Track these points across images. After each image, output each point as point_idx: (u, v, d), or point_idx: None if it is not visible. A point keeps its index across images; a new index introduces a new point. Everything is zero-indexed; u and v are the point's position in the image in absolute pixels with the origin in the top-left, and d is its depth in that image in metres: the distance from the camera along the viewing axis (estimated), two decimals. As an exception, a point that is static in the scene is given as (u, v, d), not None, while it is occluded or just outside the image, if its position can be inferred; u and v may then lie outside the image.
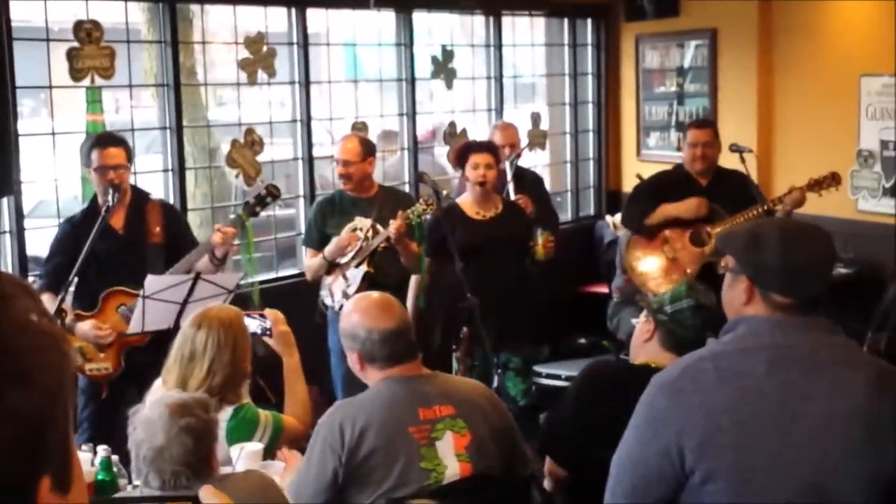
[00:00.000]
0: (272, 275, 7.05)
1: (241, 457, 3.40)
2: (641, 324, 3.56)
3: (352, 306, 3.49)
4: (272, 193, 5.23)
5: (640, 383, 2.55)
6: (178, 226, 5.40)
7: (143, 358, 4.80)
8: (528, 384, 5.86)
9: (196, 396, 3.03)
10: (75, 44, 5.92)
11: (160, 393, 3.55)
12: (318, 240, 5.85)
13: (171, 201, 6.49)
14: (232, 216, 5.58)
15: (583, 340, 7.81)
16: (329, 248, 5.68)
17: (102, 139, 5.22)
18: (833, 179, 6.00)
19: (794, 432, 2.35)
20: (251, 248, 5.35)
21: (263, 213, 5.55)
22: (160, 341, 4.40)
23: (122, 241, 5.07)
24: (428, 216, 5.56)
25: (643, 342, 3.52)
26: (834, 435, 2.34)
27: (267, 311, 4.01)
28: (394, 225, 5.45)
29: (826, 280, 2.53)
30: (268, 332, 3.96)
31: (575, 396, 3.57)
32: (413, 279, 5.77)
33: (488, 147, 5.92)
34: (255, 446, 3.53)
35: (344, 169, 5.77)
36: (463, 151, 5.84)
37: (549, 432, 3.76)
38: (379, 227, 5.63)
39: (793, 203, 5.87)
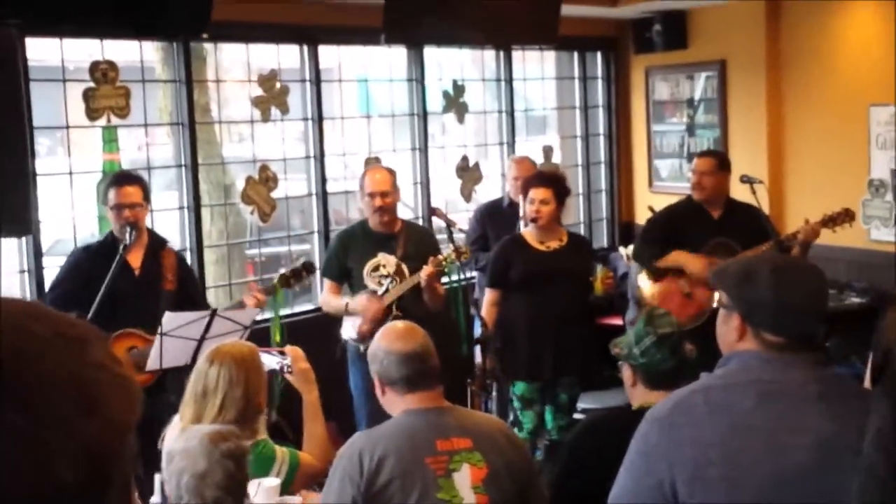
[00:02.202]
0: (288, 310, 7.07)
1: (259, 492, 3.42)
2: (624, 371, 3.58)
3: (378, 335, 3.55)
4: (308, 269, 5.48)
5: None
6: (190, 277, 5.52)
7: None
8: (568, 420, 5.85)
9: (228, 426, 3.09)
10: (91, 84, 5.99)
11: (177, 430, 3.59)
12: (338, 272, 5.87)
13: (188, 239, 6.56)
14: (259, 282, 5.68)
15: (603, 372, 7.81)
16: (355, 306, 5.66)
17: (119, 178, 5.28)
18: (847, 215, 6.02)
19: (785, 466, 2.34)
20: (278, 318, 5.52)
21: (276, 250, 5.66)
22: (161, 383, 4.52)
23: (138, 282, 5.11)
24: (459, 264, 5.61)
25: (631, 387, 3.54)
26: (826, 468, 2.33)
27: (287, 348, 4.04)
28: (426, 271, 5.48)
29: (818, 318, 2.53)
30: (288, 369, 3.98)
31: (574, 455, 3.56)
32: (486, 313, 5.70)
33: (548, 181, 5.85)
34: (272, 481, 3.54)
35: (382, 200, 5.70)
36: (525, 185, 5.85)
37: (557, 495, 3.71)
38: (404, 266, 5.66)
39: (806, 238, 5.87)
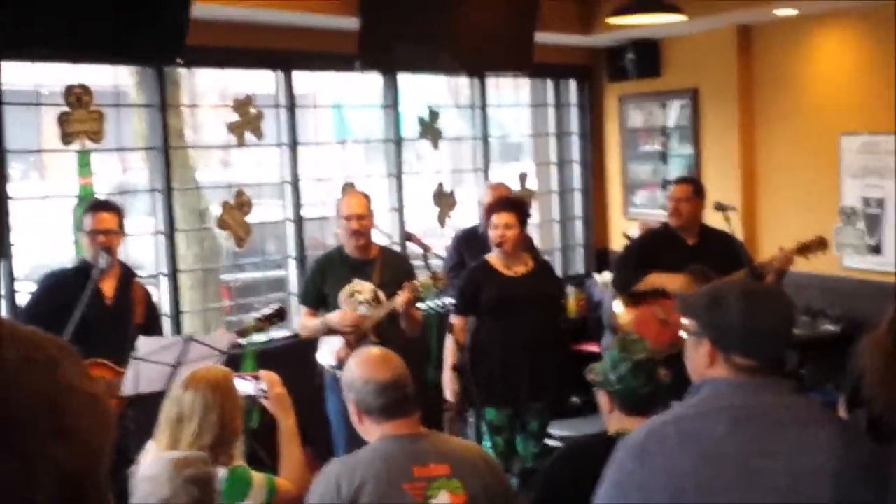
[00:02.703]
0: (263, 337, 7.03)
1: (235, 519, 3.40)
2: (600, 397, 3.58)
3: (353, 360, 3.54)
4: (280, 315, 5.48)
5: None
6: (155, 315, 5.52)
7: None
8: (540, 448, 5.85)
9: (195, 452, 3.07)
10: (66, 108, 5.97)
11: (153, 454, 3.57)
12: (315, 298, 5.86)
13: (163, 264, 6.53)
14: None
15: (576, 399, 7.81)
16: (333, 319, 5.66)
17: (95, 204, 5.27)
18: (820, 244, 6.07)
19: (759, 491, 2.34)
20: (252, 359, 5.53)
21: (252, 275, 5.64)
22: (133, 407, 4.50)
23: (110, 311, 5.09)
24: (436, 290, 5.59)
25: (608, 413, 3.55)
26: (801, 493, 2.33)
27: (262, 373, 4.02)
28: (402, 297, 5.48)
29: (788, 341, 2.54)
30: (263, 395, 3.96)
31: (550, 482, 3.56)
32: (448, 342, 5.67)
33: (511, 206, 5.87)
34: (249, 508, 3.52)
35: (359, 223, 5.74)
36: (488, 210, 5.87)
37: None
38: (380, 293, 5.66)
39: (781, 266, 5.91)
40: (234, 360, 5.27)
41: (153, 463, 2.95)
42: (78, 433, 0.92)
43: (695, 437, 2.40)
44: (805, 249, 6.04)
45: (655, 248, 6.28)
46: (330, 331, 5.69)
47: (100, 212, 5.11)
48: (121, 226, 5.18)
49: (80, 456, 0.91)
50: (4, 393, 0.89)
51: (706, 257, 6.04)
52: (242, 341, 5.58)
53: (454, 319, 5.68)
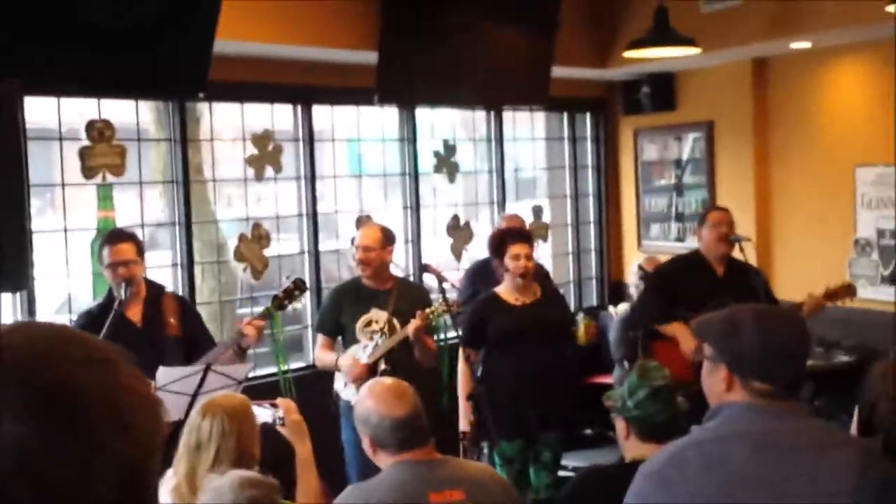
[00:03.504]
0: (283, 367, 7.07)
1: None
2: (617, 423, 3.59)
3: (366, 391, 3.55)
4: (299, 287, 5.36)
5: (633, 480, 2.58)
6: (193, 318, 5.46)
7: None
8: (553, 479, 5.84)
9: (269, 479, 3.13)
10: (86, 142, 6.06)
11: (172, 483, 3.61)
12: (331, 327, 5.93)
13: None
14: (258, 309, 5.63)
15: (589, 431, 7.82)
16: (344, 364, 5.71)
17: (112, 236, 5.30)
18: (848, 290, 6.03)
19: None
20: (280, 340, 5.45)
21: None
22: None
23: (140, 335, 5.10)
24: (448, 316, 5.61)
25: (624, 440, 3.55)
26: None
27: (279, 401, 4.05)
28: (413, 324, 5.53)
29: (803, 364, 2.56)
30: (280, 422, 4.00)
31: None
32: (461, 372, 5.70)
33: (527, 237, 5.95)
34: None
35: (364, 254, 5.82)
36: (500, 240, 5.88)
37: None
38: (395, 321, 5.70)
39: (811, 313, 5.81)
40: (265, 387, 5.32)
41: (224, 475, 3.05)
42: (135, 428, 0.98)
43: (717, 461, 2.41)
44: (833, 296, 5.97)
45: (686, 275, 6.18)
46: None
47: (117, 243, 5.14)
48: (139, 254, 5.20)
49: (136, 450, 0.97)
50: (72, 387, 0.95)
51: (734, 289, 5.69)
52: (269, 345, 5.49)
53: (465, 350, 5.72)
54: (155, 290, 5.33)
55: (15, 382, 0.93)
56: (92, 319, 5.12)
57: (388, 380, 3.67)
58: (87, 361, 0.98)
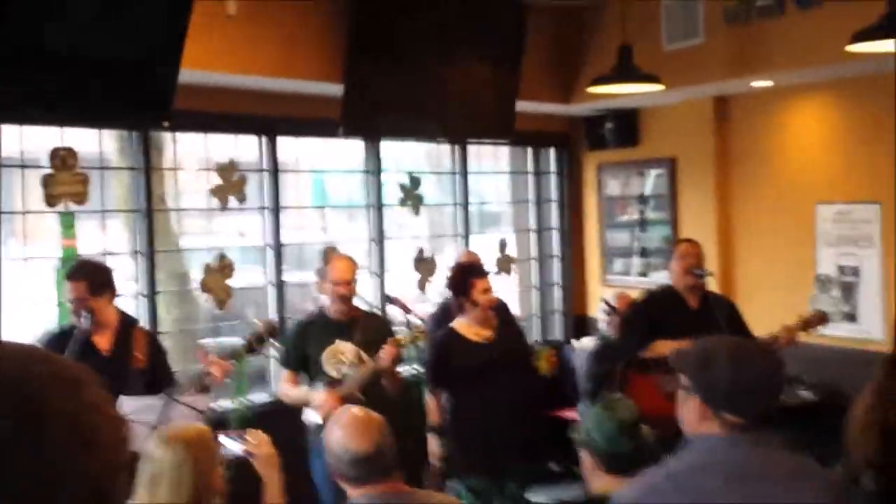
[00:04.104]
0: (243, 400, 7.01)
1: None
2: (583, 456, 3.59)
3: (335, 420, 3.53)
4: (272, 332, 5.31)
5: None
6: (160, 355, 5.45)
7: None
8: None
9: None
10: (49, 170, 6.01)
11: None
12: (296, 360, 5.86)
13: (144, 324, 6.52)
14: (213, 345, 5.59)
15: (553, 466, 7.79)
16: (314, 399, 5.63)
17: (69, 271, 5.27)
18: (822, 319, 6.05)
19: None
20: (244, 384, 5.40)
21: (230, 339, 5.60)
22: None
23: (105, 363, 5.06)
24: (420, 343, 5.59)
25: (589, 472, 3.55)
26: None
27: (250, 433, 4.00)
28: (385, 352, 5.50)
29: (775, 398, 2.59)
30: (250, 455, 3.94)
31: None
32: (429, 405, 5.70)
33: (487, 271, 6.04)
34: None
35: (346, 289, 5.79)
36: (463, 277, 5.88)
37: None
38: (362, 353, 5.68)
39: (787, 344, 5.80)
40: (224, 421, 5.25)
41: None
42: (101, 448, 0.97)
43: (692, 491, 2.43)
44: (807, 325, 5.98)
45: (661, 310, 6.19)
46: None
47: (71, 280, 5.12)
48: (92, 290, 5.13)
49: (103, 470, 0.96)
50: (37, 406, 0.94)
51: (709, 321, 5.80)
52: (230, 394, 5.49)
53: (427, 397, 5.72)
54: (127, 321, 5.31)
55: None
56: (55, 340, 5.08)
57: (357, 409, 3.63)
58: (55, 379, 0.98)
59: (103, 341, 5.15)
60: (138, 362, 5.16)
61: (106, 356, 5.12)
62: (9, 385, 0.94)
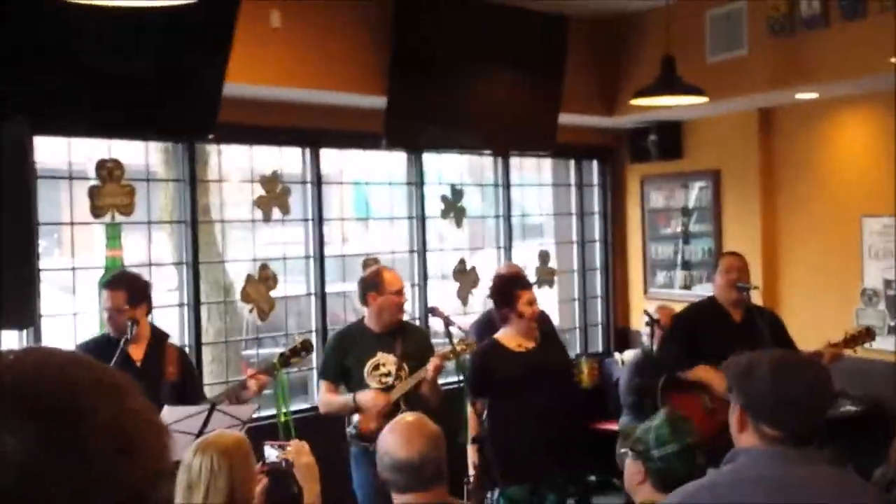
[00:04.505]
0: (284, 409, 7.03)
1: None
2: (631, 465, 3.56)
3: (389, 426, 3.55)
4: (306, 348, 5.42)
5: None
6: (191, 371, 5.53)
7: None
8: None
9: None
10: (96, 182, 6.09)
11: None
12: (336, 372, 5.87)
13: (187, 336, 6.59)
14: (259, 363, 5.63)
15: (593, 478, 7.76)
16: (362, 400, 5.66)
17: (109, 282, 5.32)
18: (867, 335, 5.98)
19: None
20: (284, 397, 5.44)
21: (272, 350, 5.65)
22: None
23: (139, 373, 5.10)
24: (467, 356, 5.62)
25: (637, 484, 3.52)
26: None
27: (292, 442, 4.02)
28: (432, 364, 5.54)
29: (817, 415, 2.55)
30: (286, 464, 3.95)
31: None
32: (470, 416, 5.65)
33: (531, 283, 6.09)
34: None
35: (403, 297, 5.89)
36: (507, 288, 5.90)
37: None
38: (404, 364, 5.70)
39: (831, 361, 5.68)
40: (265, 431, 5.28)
41: None
42: (139, 454, 0.98)
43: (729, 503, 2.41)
44: (852, 342, 5.90)
45: (703, 323, 6.14)
46: (356, 409, 5.71)
47: (111, 290, 5.17)
48: (132, 302, 5.17)
49: (144, 477, 0.97)
50: (77, 408, 0.95)
51: (753, 335, 5.70)
52: (272, 403, 5.53)
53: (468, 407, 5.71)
54: (160, 336, 5.36)
55: (20, 399, 0.94)
56: (91, 350, 5.12)
57: (410, 417, 3.63)
58: (96, 384, 0.99)
59: (137, 353, 5.19)
60: (170, 375, 5.20)
61: (138, 367, 5.16)
62: (49, 390, 0.95)
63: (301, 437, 4.20)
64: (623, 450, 3.59)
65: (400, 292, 5.86)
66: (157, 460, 1.00)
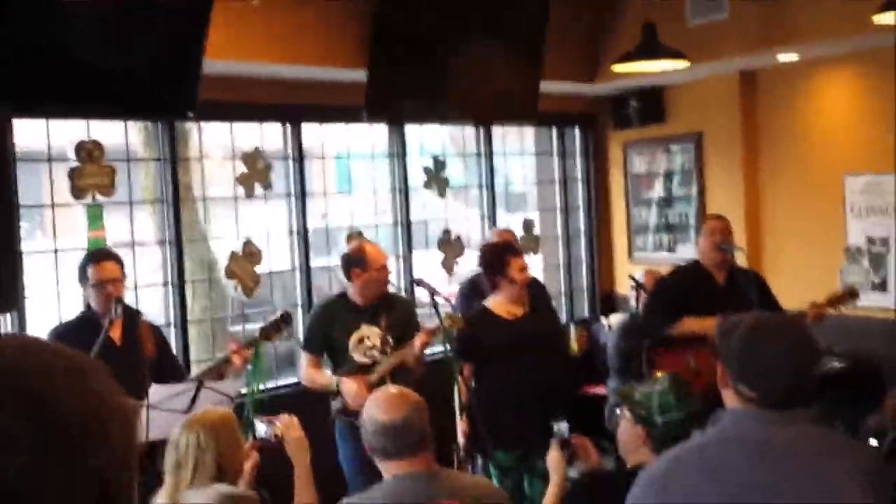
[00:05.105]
0: (271, 384, 7.05)
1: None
2: (630, 428, 3.56)
3: (371, 396, 3.55)
4: (285, 320, 5.33)
5: None
6: (166, 346, 5.51)
7: None
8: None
9: (248, 493, 3.09)
10: (75, 163, 6.05)
11: (162, 501, 3.58)
12: (320, 344, 5.84)
13: (171, 315, 6.57)
14: (242, 336, 5.60)
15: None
16: (345, 390, 5.62)
17: (96, 255, 5.28)
18: (851, 295, 6.01)
19: None
20: (260, 371, 5.40)
21: (259, 325, 5.61)
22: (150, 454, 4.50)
23: (120, 352, 5.06)
24: (454, 332, 5.60)
25: (636, 447, 3.53)
26: None
27: (281, 417, 4.02)
28: (419, 340, 5.53)
29: (798, 378, 2.49)
30: (275, 438, 3.96)
31: None
32: (459, 384, 5.67)
33: (521, 250, 6.12)
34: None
35: (387, 272, 5.85)
36: (498, 255, 5.89)
37: None
38: (388, 337, 5.69)
39: (814, 321, 5.72)
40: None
41: (206, 493, 3.01)
42: (109, 440, 0.96)
43: (716, 465, 2.41)
44: (836, 301, 5.94)
45: (688, 286, 6.16)
46: (338, 394, 5.70)
47: (103, 261, 5.13)
48: (123, 274, 5.20)
49: (111, 462, 0.96)
50: (38, 398, 0.94)
51: (738, 296, 5.76)
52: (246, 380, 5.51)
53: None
54: (132, 313, 5.30)
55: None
56: (65, 333, 5.07)
57: (392, 388, 3.64)
58: (55, 369, 0.97)
59: (115, 333, 5.12)
60: (148, 351, 5.16)
61: (119, 347, 5.11)
62: (9, 377, 0.93)
63: (286, 412, 4.21)
64: (619, 411, 3.61)
65: (384, 268, 5.82)
66: (125, 445, 0.99)
